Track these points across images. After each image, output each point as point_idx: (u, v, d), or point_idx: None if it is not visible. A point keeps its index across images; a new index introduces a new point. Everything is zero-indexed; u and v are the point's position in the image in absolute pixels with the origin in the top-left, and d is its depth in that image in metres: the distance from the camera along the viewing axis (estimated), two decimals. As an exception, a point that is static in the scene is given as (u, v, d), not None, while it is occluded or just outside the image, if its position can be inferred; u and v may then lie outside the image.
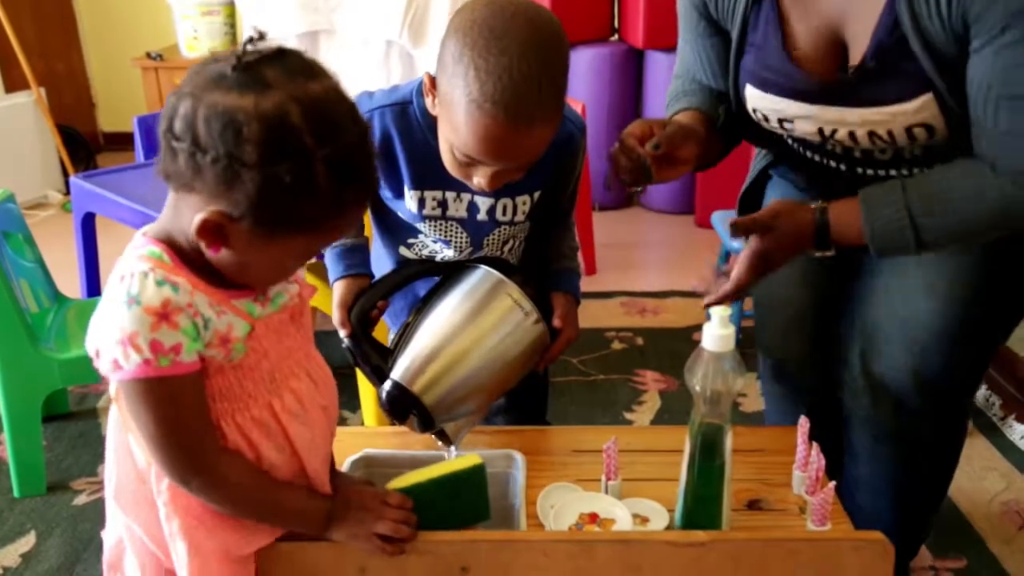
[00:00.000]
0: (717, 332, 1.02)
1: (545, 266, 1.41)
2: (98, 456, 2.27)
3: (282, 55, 0.85)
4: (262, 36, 0.86)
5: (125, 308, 0.86)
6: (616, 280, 3.36)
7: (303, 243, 0.90)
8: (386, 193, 1.32)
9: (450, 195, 1.27)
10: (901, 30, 1.13)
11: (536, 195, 1.32)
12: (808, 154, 1.39)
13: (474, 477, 1.06)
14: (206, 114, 0.81)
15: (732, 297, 1.25)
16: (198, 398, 0.93)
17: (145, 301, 0.86)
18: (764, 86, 1.31)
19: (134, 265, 0.88)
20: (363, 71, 3.49)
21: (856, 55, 1.22)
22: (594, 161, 3.26)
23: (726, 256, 2.87)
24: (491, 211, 1.30)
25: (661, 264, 3.64)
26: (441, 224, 1.31)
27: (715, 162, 1.42)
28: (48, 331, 2.17)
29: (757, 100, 1.33)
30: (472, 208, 1.29)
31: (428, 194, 1.27)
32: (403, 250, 1.39)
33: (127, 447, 0.99)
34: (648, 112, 3.95)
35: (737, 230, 1.22)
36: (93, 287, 2.75)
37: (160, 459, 0.93)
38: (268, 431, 0.98)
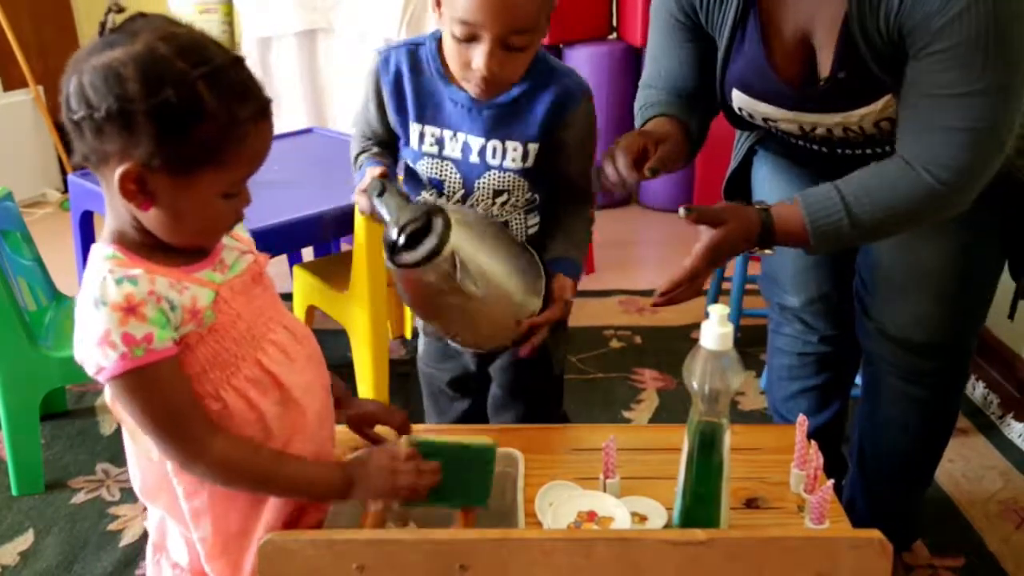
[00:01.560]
0: (715, 330, 1.02)
1: (551, 247, 1.44)
2: (96, 455, 2.27)
3: (143, 16, 0.92)
4: (121, 8, 0.93)
5: (94, 311, 0.91)
6: (614, 278, 3.37)
7: (218, 176, 0.92)
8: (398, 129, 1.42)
9: (447, 133, 1.37)
10: (855, 42, 1.26)
11: (530, 147, 1.36)
12: (792, 140, 1.50)
13: (485, 456, 1.09)
14: (89, 78, 0.87)
15: (684, 284, 1.31)
16: (179, 381, 0.96)
17: (109, 300, 0.91)
18: (749, 91, 1.42)
19: (95, 272, 0.94)
20: (361, 69, 3.49)
21: (824, 66, 1.32)
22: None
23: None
24: (482, 152, 1.36)
25: (659, 262, 3.64)
26: (437, 163, 1.39)
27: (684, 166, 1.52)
28: (46, 329, 2.17)
29: (742, 102, 1.44)
30: (465, 149, 1.37)
31: (428, 129, 1.38)
32: None
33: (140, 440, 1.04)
34: (647, 110, 3.95)
35: (689, 215, 1.30)
36: (91, 285, 2.75)
37: (161, 448, 0.98)
38: (263, 387, 1.02)
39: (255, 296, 1.05)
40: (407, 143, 1.41)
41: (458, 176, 1.39)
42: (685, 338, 2.88)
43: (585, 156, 1.43)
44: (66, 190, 4.00)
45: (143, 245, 0.96)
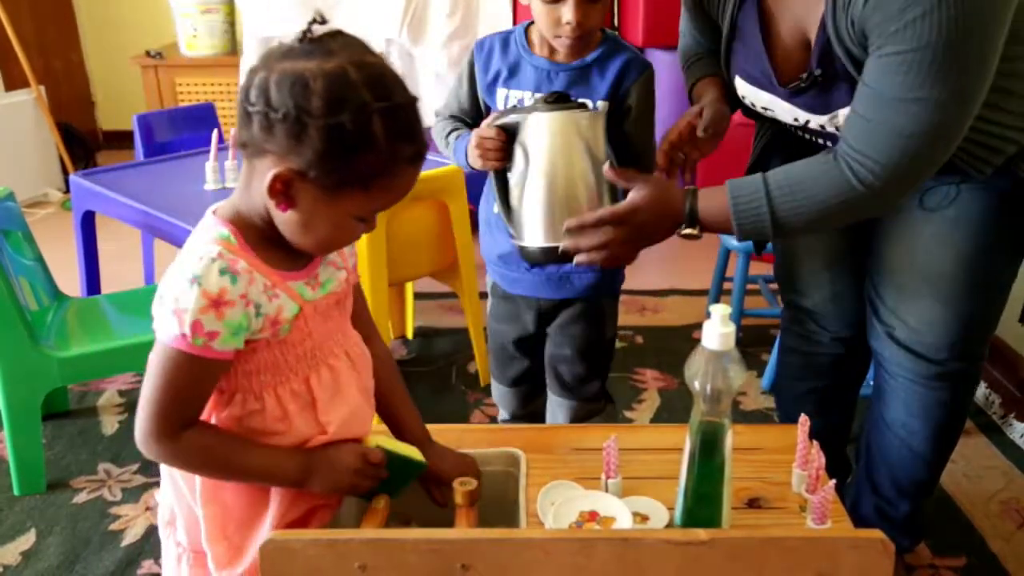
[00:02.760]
0: (717, 330, 1.02)
1: None
2: (98, 454, 2.27)
3: (341, 33, 0.96)
4: (324, 20, 0.98)
5: (187, 284, 0.94)
6: (616, 278, 3.36)
7: (361, 201, 0.96)
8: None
9: (526, 94, 1.55)
10: (830, 41, 1.28)
11: (599, 104, 1.53)
12: (796, 135, 1.52)
13: (415, 472, 1.14)
14: (277, 79, 0.91)
15: (587, 228, 1.35)
16: (207, 382, 1.00)
17: (204, 284, 0.94)
18: (749, 80, 1.45)
19: (206, 247, 0.97)
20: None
21: (812, 63, 1.34)
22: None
23: (726, 255, 2.87)
24: None
25: (661, 263, 3.64)
26: None
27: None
28: (48, 329, 2.17)
29: (744, 89, 1.48)
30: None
31: (512, 93, 1.57)
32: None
33: None
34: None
35: (612, 168, 1.38)
36: (93, 285, 2.75)
37: (146, 415, 0.99)
38: (303, 404, 1.05)
39: (330, 318, 1.08)
40: (493, 108, 1.59)
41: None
42: (687, 338, 2.88)
43: (646, 125, 1.60)
44: (68, 190, 4.01)
45: (258, 234, 1.00)
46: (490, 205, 1.62)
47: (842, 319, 1.74)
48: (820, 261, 1.69)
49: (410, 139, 0.96)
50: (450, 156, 1.61)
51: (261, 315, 0.98)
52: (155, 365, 0.98)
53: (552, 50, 1.53)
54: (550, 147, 1.42)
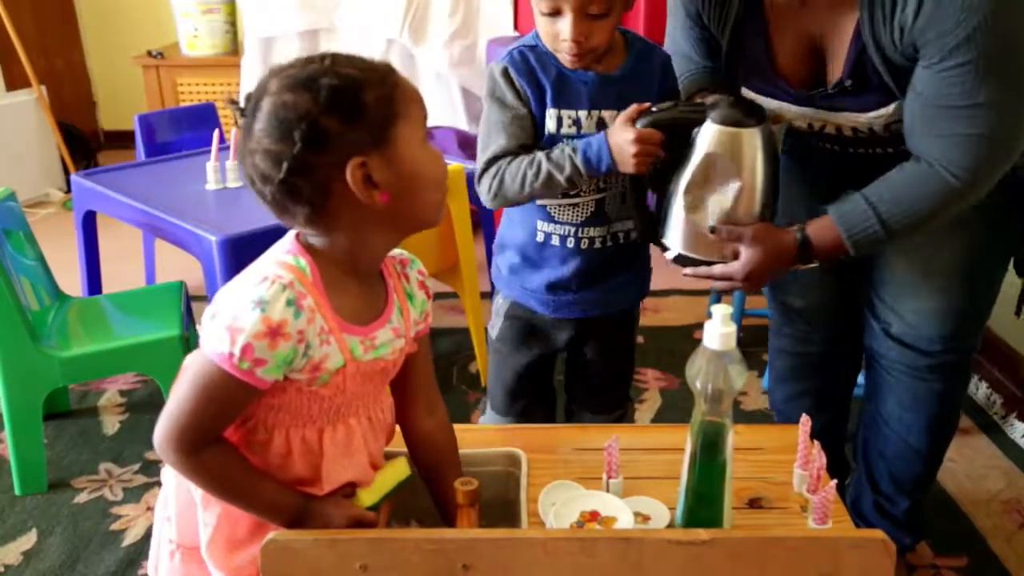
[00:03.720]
0: (718, 330, 1.02)
1: None
2: (99, 454, 2.27)
3: (251, 95, 0.98)
4: (236, 102, 1.00)
5: (250, 306, 0.93)
6: (617, 278, 3.36)
7: (407, 125, 0.97)
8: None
9: (582, 113, 1.44)
10: (867, 52, 1.32)
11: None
12: (808, 140, 1.54)
13: (408, 481, 1.13)
14: (255, 147, 0.95)
15: (714, 278, 1.45)
16: (238, 406, 0.99)
17: (268, 311, 0.93)
18: (755, 90, 1.47)
19: (280, 270, 0.97)
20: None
21: (835, 71, 1.38)
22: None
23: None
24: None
25: (661, 262, 3.63)
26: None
27: None
28: (49, 329, 2.17)
29: (752, 96, 1.49)
30: (600, 124, 1.44)
31: (564, 113, 1.44)
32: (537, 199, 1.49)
33: None
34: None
35: (716, 233, 1.39)
36: (94, 285, 2.75)
37: (171, 424, 0.98)
38: (308, 453, 1.04)
39: (370, 382, 1.06)
40: (541, 136, 1.46)
41: None
42: (688, 338, 2.88)
43: None
44: (69, 190, 4.01)
45: (334, 275, 1.00)
46: (532, 233, 1.53)
47: (833, 320, 1.76)
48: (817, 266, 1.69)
49: (369, 63, 0.98)
50: (542, 185, 1.42)
51: (307, 356, 0.97)
52: (193, 375, 0.97)
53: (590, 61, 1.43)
54: (753, 161, 1.38)
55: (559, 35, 1.37)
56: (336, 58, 0.97)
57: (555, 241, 1.52)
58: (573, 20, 1.34)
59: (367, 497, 1.08)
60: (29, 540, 1.96)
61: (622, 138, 1.36)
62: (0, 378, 2.01)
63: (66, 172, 4.15)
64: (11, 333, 1.98)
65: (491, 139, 1.45)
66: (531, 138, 1.45)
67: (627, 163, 1.36)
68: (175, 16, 4.26)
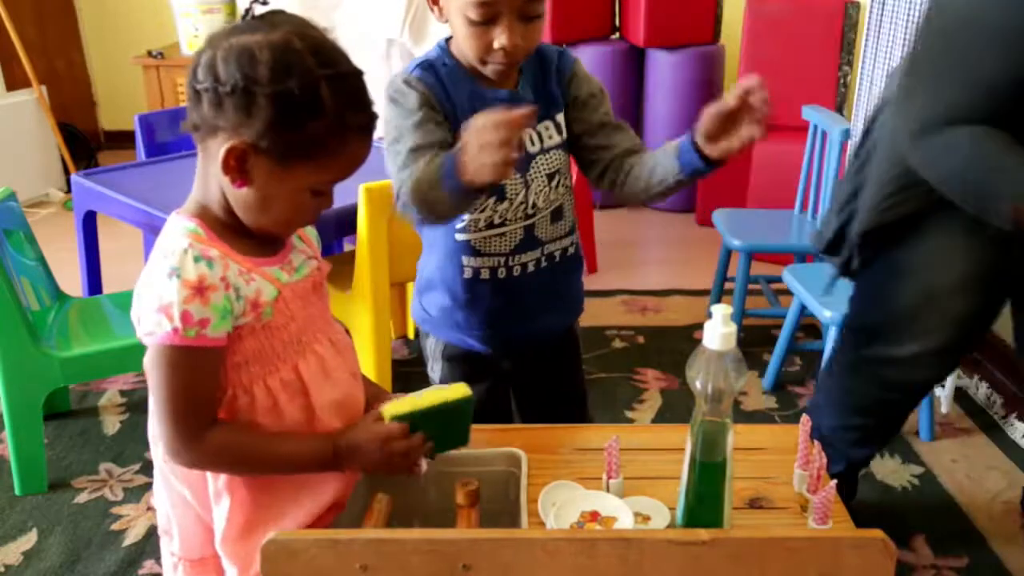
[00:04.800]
0: (719, 330, 1.02)
1: (667, 163, 1.31)
2: (99, 454, 2.27)
3: (283, 11, 0.97)
4: (265, 1, 1.00)
5: (166, 279, 0.95)
6: (617, 278, 3.36)
7: (314, 171, 0.97)
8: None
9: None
10: None
11: (558, 117, 1.38)
12: None
13: (462, 408, 1.10)
14: (224, 54, 0.93)
15: None
16: (210, 373, 1.00)
17: (183, 275, 0.94)
18: None
19: (175, 242, 0.97)
20: (363, 69, 3.48)
21: None
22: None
23: (727, 254, 2.87)
24: (528, 141, 1.35)
25: (662, 262, 3.64)
26: None
27: None
28: (49, 329, 2.17)
29: None
30: (519, 145, 1.19)
31: None
32: (458, 235, 1.38)
33: None
34: (649, 109, 3.95)
35: None
36: (94, 285, 2.75)
37: (161, 427, 0.99)
38: (293, 392, 1.05)
39: (311, 303, 1.08)
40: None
41: (517, 175, 1.36)
42: (688, 338, 2.88)
43: (603, 103, 1.42)
44: (69, 190, 4.01)
45: (223, 225, 1.01)
46: (458, 270, 1.40)
47: (944, 365, 1.73)
48: (960, 311, 1.63)
49: (359, 107, 0.97)
50: (454, 194, 1.18)
51: (242, 298, 0.98)
52: (154, 372, 0.98)
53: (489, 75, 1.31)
54: None
55: (492, 43, 1.25)
56: (351, 78, 0.97)
57: (485, 275, 1.40)
58: (511, 25, 1.23)
59: (393, 408, 1.07)
60: (29, 540, 1.96)
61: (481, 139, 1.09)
62: (0, 378, 2.01)
63: (66, 172, 4.15)
64: (11, 333, 1.98)
65: (401, 143, 1.27)
66: (444, 144, 1.26)
67: (483, 172, 1.10)
68: (175, 16, 4.26)
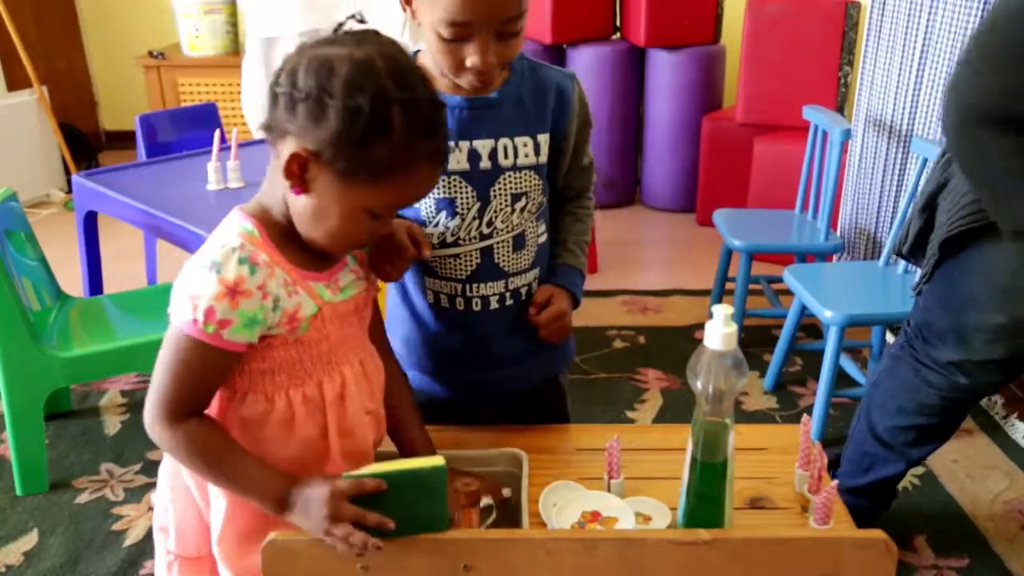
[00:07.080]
0: (720, 330, 1.02)
1: (560, 252, 1.36)
2: (100, 455, 2.27)
3: (377, 32, 0.99)
4: (363, 20, 1.02)
5: (206, 271, 0.96)
6: (618, 279, 3.37)
7: (373, 193, 0.97)
8: None
9: (449, 145, 1.18)
10: None
11: (540, 139, 1.27)
12: None
13: (434, 480, 0.97)
14: (307, 63, 0.95)
15: None
16: (218, 371, 1.00)
17: (223, 272, 0.96)
18: None
19: (228, 239, 0.99)
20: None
21: None
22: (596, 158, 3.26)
23: (728, 255, 2.87)
24: (492, 155, 1.24)
25: (663, 262, 3.64)
26: (444, 181, 1.23)
27: None
28: (50, 329, 2.17)
29: None
30: (473, 156, 1.23)
31: None
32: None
33: None
34: (649, 109, 3.95)
35: None
36: (95, 285, 2.75)
37: (152, 398, 0.99)
38: (312, 409, 1.05)
39: (349, 324, 1.08)
40: None
41: (470, 189, 1.24)
42: (689, 338, 2.88)
43: (588, 141, 1.36)
44: (70, 190, 4.01)
45: (280, 231, 1.02)
46: (422, 292, 1.31)
47: (1014, 370, 1.70)
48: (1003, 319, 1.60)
49: (429, 135, 0.97)
50: None
51: (279, 309, 0.99)
52: (165, 348, 0.99)
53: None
54: None
55: (464, 61, 1.15)
56: (427, 105, 0.97)
57: (444, 302, 1.29)
58: (484, 44, 1.14)
59: (356, 471, 0.97)
60: (30, 540, 1.96)
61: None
62: (1, 378, 2.01)
63: (67, 172, 4.15)
64: (12, 333, 1.98)
65: None
66: None
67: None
68: (176, 16, 4.27)
